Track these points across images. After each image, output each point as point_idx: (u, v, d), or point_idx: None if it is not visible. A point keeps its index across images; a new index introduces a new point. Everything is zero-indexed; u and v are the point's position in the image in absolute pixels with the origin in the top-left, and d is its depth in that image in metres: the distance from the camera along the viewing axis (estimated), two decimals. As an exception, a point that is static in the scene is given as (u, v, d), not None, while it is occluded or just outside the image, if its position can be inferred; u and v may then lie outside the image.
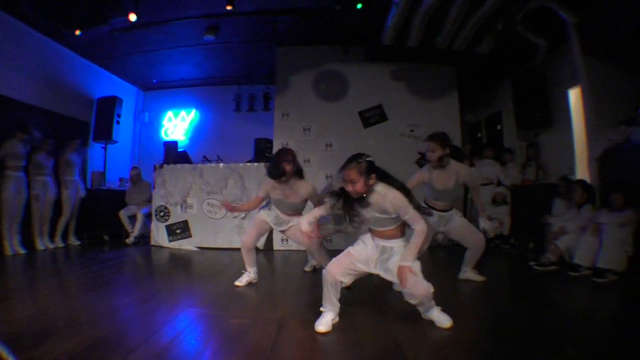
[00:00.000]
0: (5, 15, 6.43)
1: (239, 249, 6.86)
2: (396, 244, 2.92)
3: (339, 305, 3.00)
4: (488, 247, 6.67)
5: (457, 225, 4.33)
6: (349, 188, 2.80)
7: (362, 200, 2.85)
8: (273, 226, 4.42)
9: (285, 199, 4.20)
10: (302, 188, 4.18)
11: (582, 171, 6.44)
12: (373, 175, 2.79)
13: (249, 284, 4.40)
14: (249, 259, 4.44)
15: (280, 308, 3.57)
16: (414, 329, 2.89)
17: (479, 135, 9.82)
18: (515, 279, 5.12)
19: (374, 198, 2.82)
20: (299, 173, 4.19)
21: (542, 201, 6.30)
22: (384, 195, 2.78)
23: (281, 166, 4.03)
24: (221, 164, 7.66)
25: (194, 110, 10.76)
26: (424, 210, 2.89)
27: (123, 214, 7.88)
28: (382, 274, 2.95)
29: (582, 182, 5.57)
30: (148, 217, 7.94)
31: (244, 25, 7.18)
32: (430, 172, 4.19)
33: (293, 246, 7.10)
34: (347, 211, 2.95)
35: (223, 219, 7.37)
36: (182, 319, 3.19)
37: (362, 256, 2.98)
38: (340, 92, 7.83)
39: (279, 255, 6.73)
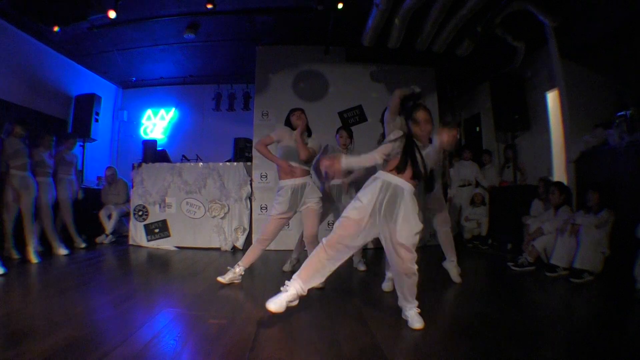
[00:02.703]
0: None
1: (217, 249, 6.94)
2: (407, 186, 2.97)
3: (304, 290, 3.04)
4: (466, 248, 6.80)
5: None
6: (423, 128, 2.97)
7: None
8: (288, 210, 4.28)
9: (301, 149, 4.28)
10: (314, 140, 4.40)
11: (559, 173, 6.56)
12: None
13: (231, 283, 4.36)
14: (252, 258, 4.43)
15: (260, 308, 3.55)
16: (391, 329, 2.92)
17: (458, 137, 9.91)
18: (493, 280, 5.19)
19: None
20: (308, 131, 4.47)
21: (520, 202, 6.41)
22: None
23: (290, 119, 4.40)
24: (200, 163, 7.62)
25: (173, 109, 10.67)
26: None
27: (103, 214, 7.79)
28: (383, 227, 2.97)
29: (559, 183, 5.65)
30: (126, 216, 7.85)
31: (224, 24, 7.15)
32: None
33: (271, 246, 7.05)
34: (408, 153, 2.98)
35: (202, 218, 7.34)
36: (161, 319, 3.17)
37: (361, 215, 2.97)
38: (320, 92, 7.82)
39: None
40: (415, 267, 2.92)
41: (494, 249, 7.06)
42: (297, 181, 4.27)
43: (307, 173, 4.36)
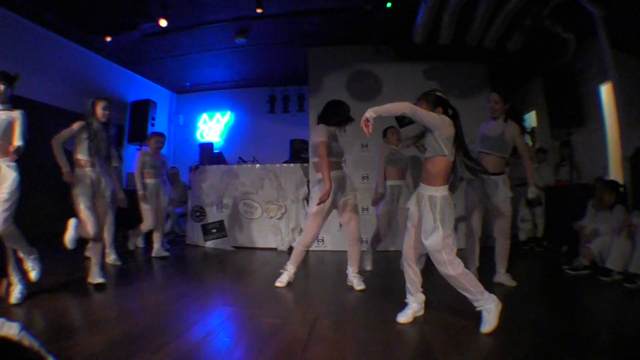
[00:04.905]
0: (34, 25, 6.58)
1: (274, 249, 6.97)
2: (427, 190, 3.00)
3: (422, 296, 3.13)
4: (522, 250, 6.51)
5: (502, 200, 4.22)
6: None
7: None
8: (333, 201, 4.23)
9: (338, 145, 4.30)
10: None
11: (615, 171, 6.21)
12: (439, 108, 3.01)
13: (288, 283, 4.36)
14: (299, 257, 4.41)
15: (314, 309, 3.53)
16: (444, 332, 2.87)
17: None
18: (546, 284, 4.99)
19: None
20: None
21: (576, 203, 6.05)
22: None
23: (349, 116, 4.31)
24: (257, 165, 7.69)
25: (228, 112, 10.83)
26: (473, 165, 3.05)
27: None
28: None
29: (609, 182, 5.37)
30: (183, 217, 8.02)
31: (273, 27, 7.17)
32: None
33: (328, 246, 7.06)
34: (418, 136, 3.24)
35: (259, 219, 7.40)
36: (215, 317, 3.21)
37: (414, 219, 3.09)
38: (373, 92, 7.71)
39: (314, 255, 6.68)
40: (452, 271, 2.86)
41: (549, 251, 6.76)
42: (339, 173, 4.25)
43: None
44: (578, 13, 5.65)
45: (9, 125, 3.60)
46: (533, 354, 2.51)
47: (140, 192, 5.96)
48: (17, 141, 3.56)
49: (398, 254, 5.31)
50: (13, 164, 3.57)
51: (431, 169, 2.96)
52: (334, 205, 4.28)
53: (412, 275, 3.13)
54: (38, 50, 6.75)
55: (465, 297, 2.92)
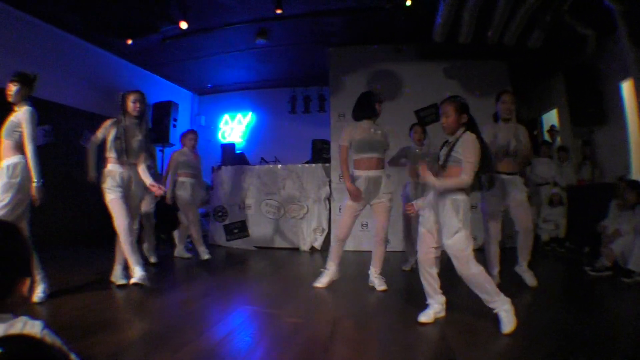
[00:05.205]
0: (55, 29, 6.70)
1: (296, 249, 6.97)
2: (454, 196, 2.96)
3: (443, 298, 3.11)
4: (544, 251, 6.39)
5: (520, 196, 4.14)
6: (442, 120, 3.08)
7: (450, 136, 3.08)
8: (366, 200, 4.23)
9: (371, 138, 4.22)
10: (383, 128, 4.34)
11: (638, 169, 6.11)
12: (465, 115, 3.01)
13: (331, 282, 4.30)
14: (337, 253, 4.36)
15: (336, 309, 3.51)
16: (465, 333, 2.83)
17: (535, 133, 9.35)
18: (568, 285, 4.91)
19: (458, 135, 3.01)
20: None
21: (599, 202, 5.91)
22: (464, 135, 2.98)
23: (375, 107, 4.26)
24: (279, 165, 7.72)
25: (250, 113, 10.88)
26: (491, 178, 3.06)
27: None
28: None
29: (631, 181, 5.28)
30: (205, 217, 8.07)
31: (294, 28, 7.17)
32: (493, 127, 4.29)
33: (349, 247, 7.01)
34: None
35: (281, 219, 7.41)
36: (237, 316, 3.22)
37: (428, 224, 3.07)
38: (394, 91, 7.66)
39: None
40: (474, 269, 2.85)
41: (571, 252, 6.63)
42: (372, 173, 4.19)
43: (382, 166, 4.29)
44: (598, 9, 5.54)
45: (16, 126, 3.56)
46: (553, 355, 2.47)
47: (167, 195, 5.72)
48: (26, 145, 3.50)
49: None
50: (10, 163, 3.49)
51: (455, 176, 2.94)
52: (366, 204, 4.25)
53: (430, 279, 3.10)
54: (62, 54, 6.88)
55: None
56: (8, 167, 3.46)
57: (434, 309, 3.06)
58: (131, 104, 4.09)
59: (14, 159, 3.50)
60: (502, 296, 2.82)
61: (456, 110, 3.00)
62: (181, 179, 5.91)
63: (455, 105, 3.02)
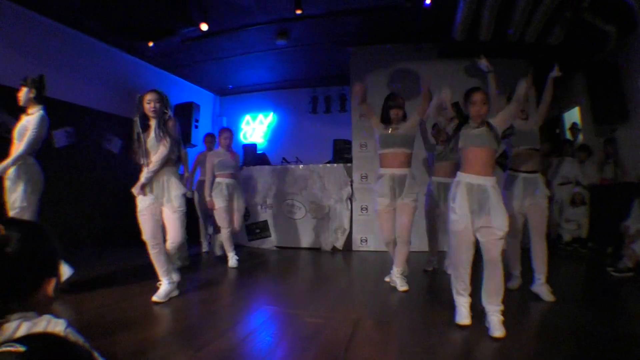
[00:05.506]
0: (77, 33, 6.81)
1: (317, 249, 6.98)
2: (490, 182, 2.97)
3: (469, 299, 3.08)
4: (566, 251, 6.27)
5: (541, 196, 4.00)
6: (476, 108, 3.02)
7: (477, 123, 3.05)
8: (391, 202, 4.23)
9: (391, 133, 4.29)
10: (409, 122, 4.37)
11: None
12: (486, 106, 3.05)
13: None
14: (393, 254, 4.35)
15: (357, 309, 3.51)
16: (487, 337, 2.76)
17: (557, 131, 9.19)
18: (590, 286, 4.83)
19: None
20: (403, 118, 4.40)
21: (622, 202, 5.77)
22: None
23: (389, 114, 4.32)
24: (300, 165, 7.73)
25: (271, 113, 10.92)
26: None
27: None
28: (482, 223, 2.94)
29: None
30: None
31: (313, 28, 7.15)
32: None
33: (371, 247, 7.01)
34: (454, 134, 3.17)
35: (302, 219, 7.42)
36: (258, 316, 3.24)
37: (463, 212, 2.98)
38: (415, 90, 7.59)
39: (358, 256, 6.66)
40: (505, 244, 2.99)
41: (594, 253, 6.51)
42: (397, 171, 4.21)
43: (408, 164, 4.30)
44: (619, 5, 5.48)
45: (25, 129, 3.72)
46: (575, 357, 2.46)
47: (207, 198, 5.65)
48: (21, 142, 3.66)
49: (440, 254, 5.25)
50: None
51: (488, 160, 2.98)
52: (393, 203, 4.24)
53: (467, 279, 3.05)
54: (84, 57, 7.00)
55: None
56: (17, 168, 3.67)
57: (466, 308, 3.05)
58: (146, 105, 3.83)
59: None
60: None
61: (487, 100, 3.04)
62: (217, 179, 5.72)
63: (486, 95, 3.06)
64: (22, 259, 1.18)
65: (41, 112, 3.79)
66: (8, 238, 1.19)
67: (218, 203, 5.61)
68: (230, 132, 6.03)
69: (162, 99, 3.84)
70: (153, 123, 3.81)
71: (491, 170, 2.99)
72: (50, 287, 1.25)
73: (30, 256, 1.20)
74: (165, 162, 3.76)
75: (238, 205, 5.86)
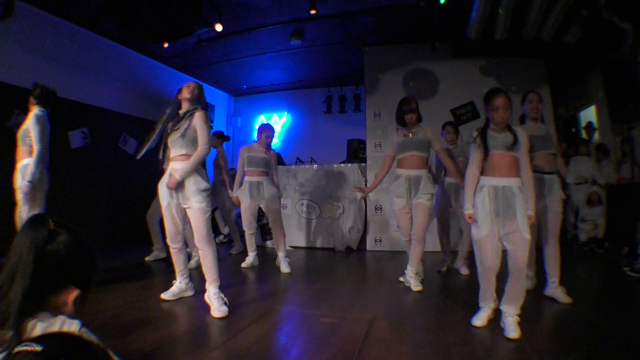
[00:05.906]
0: (93, 35, 6.91)
1: (332, 249, 6.98)
2: (516, 183, 2.95)
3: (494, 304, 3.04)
4: (582, 251, 6.19)
5: (556, 200, 3.93)
6: (500, 114, 2.97)
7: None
8: (407, 202, 4.26)
9: (408, 139, 4.30)
10: (426, 131, 4.35)
11: None
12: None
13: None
14: (409, 253, 4.35)
15: (371, 309, 3.50)
16: (503, 338, 2.76)
17: (573, 130, 9.09)
18: (606, 286, 4.78)
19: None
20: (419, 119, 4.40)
21: (638, 201, 5.71)
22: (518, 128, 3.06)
23: (404, 118, 4.32)
24: (315, 165, 7.75)
25: (285, 113, 10.96)
26: None
27: (218, 215, 8.13)
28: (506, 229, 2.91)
29: None
30: (240, 217, 8.16)
31: (328, 28, 7.19)
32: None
33: (385, 247, 6.99)
34: (481, 136, 3.07)
35: (317, 219, 7.42)
36: (272, 316, 3.23)
37: (487, 218, 2.94)
38: (430, 90, 7.59)
39: (372, 255, 6.66)
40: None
41: (610, 253, 6.44)
42: (412, 172, 4.23)
43: (424, 166, 4.30)
44: (635, 2, 5.46)
45: (27, 132, 3.95)
46: (592, 357, 2.43)
47: (233, 194, 5.59)
48: (34, 146, 3.89)
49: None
50: (22, 165, 3.93)
51: (513, 162, 2.96)
52: (409, 203, 4.26)
53: (492, 289, 3.01)
54: (100, 59, 7.09)
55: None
56: (21, 168, 3.92)
57: (487, 312, 3.03)
58: (185, 89, 3.59)
59: (25, 161, 3.92)
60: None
61: (510, 105, 3.00)
62: (245, 177, 5.54)
63: (509, 99, 3.01)
64: (58, 260, 1.21)
65: (35, 110, 4.02)
66: (54, 236, 1.23)
67: (242, 202, 5.46)
68: (271, 130, 5.82)
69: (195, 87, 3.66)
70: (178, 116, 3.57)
71: (516, 172, 2.96)
72: (71, 297, 1.26)
73: (66, 260, 1.23)
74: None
75: (268, 206, 5.48)
